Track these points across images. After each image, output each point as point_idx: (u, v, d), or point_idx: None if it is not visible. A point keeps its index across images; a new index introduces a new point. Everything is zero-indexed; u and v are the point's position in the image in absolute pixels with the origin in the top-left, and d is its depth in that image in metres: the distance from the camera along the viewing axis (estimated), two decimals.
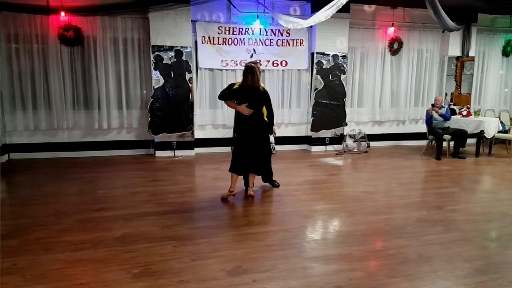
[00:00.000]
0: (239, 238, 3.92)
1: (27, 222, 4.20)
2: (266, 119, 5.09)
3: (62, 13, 7.13)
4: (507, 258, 3.51)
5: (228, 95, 4.99)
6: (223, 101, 5.22)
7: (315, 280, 3.05)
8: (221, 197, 5.13)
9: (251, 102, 4.87)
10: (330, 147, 8.89)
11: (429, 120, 8.14)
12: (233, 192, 5.10)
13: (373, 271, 3.25)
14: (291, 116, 8.85)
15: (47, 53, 7.34)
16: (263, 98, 4.92)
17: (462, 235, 4.01)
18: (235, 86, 4.97)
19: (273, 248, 3.62)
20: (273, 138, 7.69)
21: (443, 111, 8.07)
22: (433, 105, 8.26)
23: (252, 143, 5.01)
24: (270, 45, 8.36)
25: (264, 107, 5.02)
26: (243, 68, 4.95)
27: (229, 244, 3.75)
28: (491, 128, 8.16)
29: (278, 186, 5.67)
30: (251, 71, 4.82)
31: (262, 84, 5.06)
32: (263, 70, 8.23)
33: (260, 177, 5.52)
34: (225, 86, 8.14)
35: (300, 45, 8.57)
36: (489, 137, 8.28)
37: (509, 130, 9.02)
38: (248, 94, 4.85)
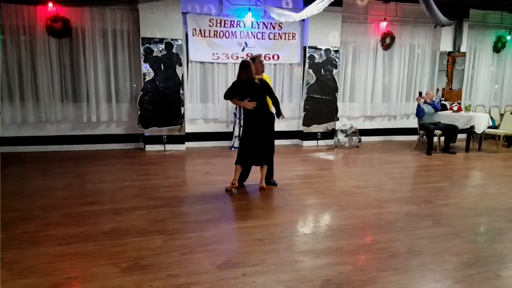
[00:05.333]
0: (230, 232, 3.89)
1: (14, 215, 4.13)
2: (273, 109, 5.19)
3: (50, 4, 7.00)
4: (494, 252, 3.53)
5: (231, 93, 5.08)
6: (222, 98, 5.35)
7: (304, 273, 3.04)
8: (225, 189, 5.17)
9: (251, 95, 4.94)
10: (321, 142, 8.89)
11: (419, 111, 8.16)
12: (235, 184, 5.15)
13: (362, 265, 3.25)
14: (282, 110, 8.63)
15: (35, 45, 7.20)
16: (263, 89, 4.98)
17: (452, 229, 4.03)
18: None
19: (263, 242, 3.60)
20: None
21: None
22: (420, 93, 8.29)
23: (258, 136, 5.07)
24: (262, 38, 8.30)
25: (268, 98, 5.09)
26: (237, 62, 4.96)
27: (219, 238, 3.72)
28: (481, 124, 8.20)
29: (276, 184, 5.54)
30: (244, 65, 4.91)
31: (263, 75, 5.13)
32: None
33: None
34: (216, 79, 8.23)
35: (292, 39, 8.52)
36: (479, 132, 8.33)
37: (499, 125, 9.08)
38: (246, 89, 4.93)
